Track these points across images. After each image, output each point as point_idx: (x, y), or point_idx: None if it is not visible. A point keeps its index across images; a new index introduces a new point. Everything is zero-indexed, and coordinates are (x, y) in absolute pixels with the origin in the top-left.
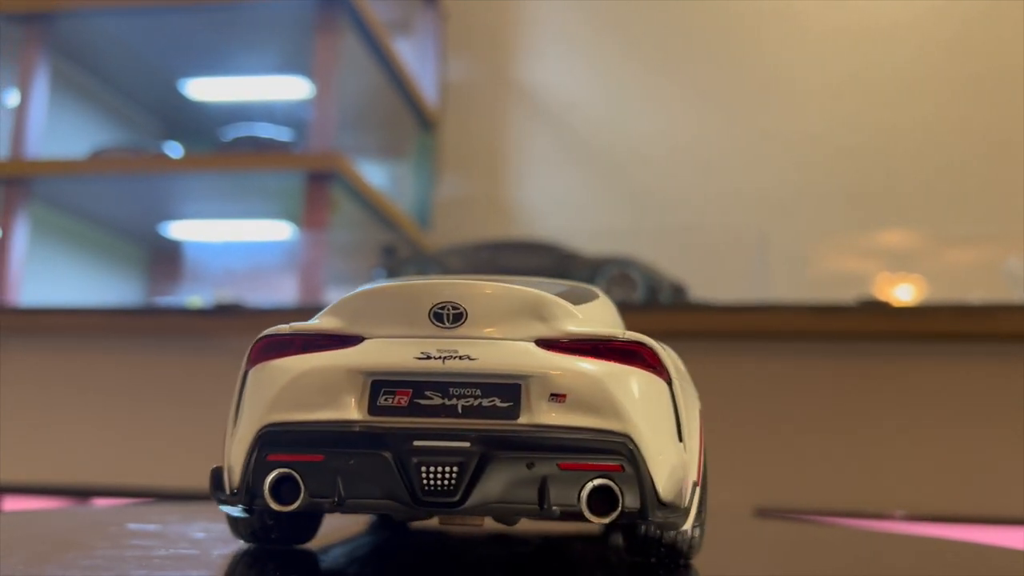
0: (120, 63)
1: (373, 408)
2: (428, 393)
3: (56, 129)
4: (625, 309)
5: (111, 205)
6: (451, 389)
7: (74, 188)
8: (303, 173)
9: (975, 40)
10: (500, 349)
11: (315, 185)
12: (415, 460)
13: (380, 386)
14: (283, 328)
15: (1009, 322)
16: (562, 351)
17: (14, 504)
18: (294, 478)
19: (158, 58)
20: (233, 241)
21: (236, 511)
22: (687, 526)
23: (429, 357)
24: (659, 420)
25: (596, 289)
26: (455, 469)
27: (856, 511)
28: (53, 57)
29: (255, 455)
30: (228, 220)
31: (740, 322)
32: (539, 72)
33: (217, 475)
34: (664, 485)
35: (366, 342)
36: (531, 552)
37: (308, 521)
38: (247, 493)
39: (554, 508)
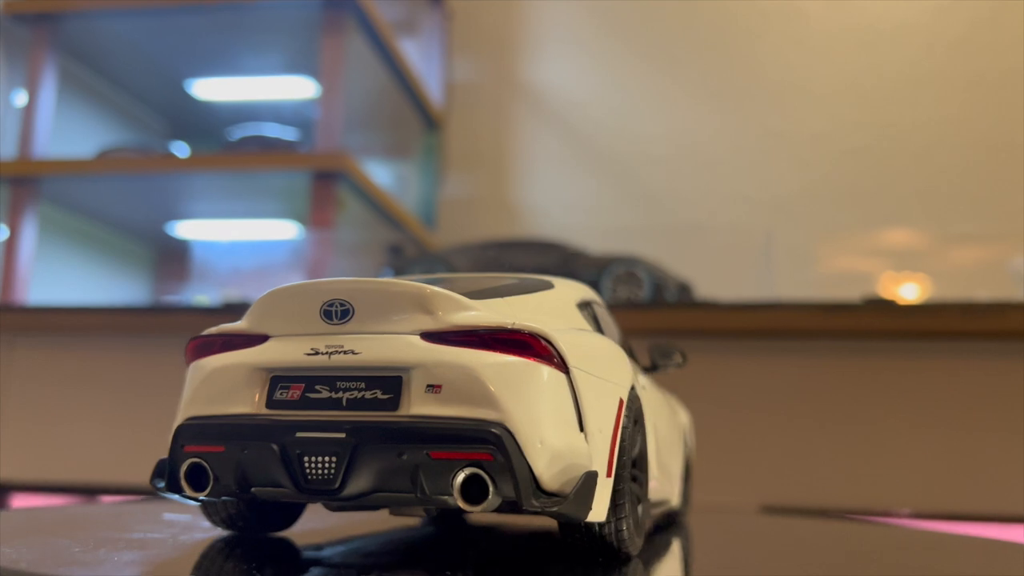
0: (127, 63)
1: (270, 402)
2: (318, 387)
3: (64, 129)
4: (631, 307)
5: (118, 204)
6: (338, 383)
7: (81, 187)
8: (309, 172)
9: (980, 41)
10: (383, 343)
11: (321, 184)
12: (298, 451)
13: (278, 381)
14: (211, 330)
15: (1015, 320)
16: (445, 343)
17: (22, 501)
18: (204, 467)
19: (165, 58)
20: (240, 240)
21: (176, 497)
22: (595, 517)
23: (318, 353)
24: (544, 409)
25: (555, 280)
26: (333, 459)
27: (863, 509)
28: (61, 57)
29: (175, 446)
30: (235, 219)
31: (746, 320)
32: (544, 72)
33: (158, 465)
34: (545, 473)
35: (270, 340)
36: (512, 550)
37: (282, 510)
38: (171, 480)
39: (433, 497)
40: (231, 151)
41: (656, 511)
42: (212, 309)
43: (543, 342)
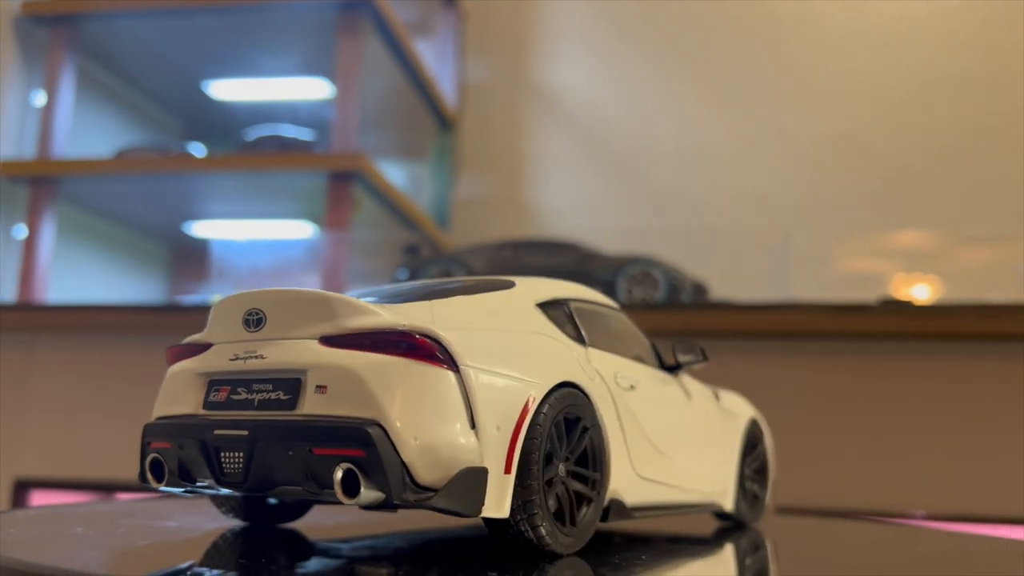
0: (145, 64)
1: (206, 403)
2: (239, 389)
3: (82, 129)
4: (647, 308)
5: (136, 204)
6: (253, 385)
7: (99, 187)
8: (325, 173)
9: (995, 41)
10: (286, 348)
11: (337, 184)
12: (216, 447)
13: (213, 385)
14: (186, 340)
15: None
16: (339, 346)
17: (42, 497)
18: (161, 461)
19: (182, 59)
20: (256, 240)
21: (163, 489)
22: (493, 513)
23: (238, 358)
24: (421, 407)
25: (520, 280)
26: (240, 455)
27: (877, 510)
28: (79, 59)
29: (142, 443)
30: (251, 220)
31: (761, 321)
32: (557, 72)
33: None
34: (421, 469)
35: (211, 348)
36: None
37: (286, 503)
38: (140, 473)
39: (321, 491)
40: (247, 151)
41: (663, 514)
42: None
43: (430, 342)
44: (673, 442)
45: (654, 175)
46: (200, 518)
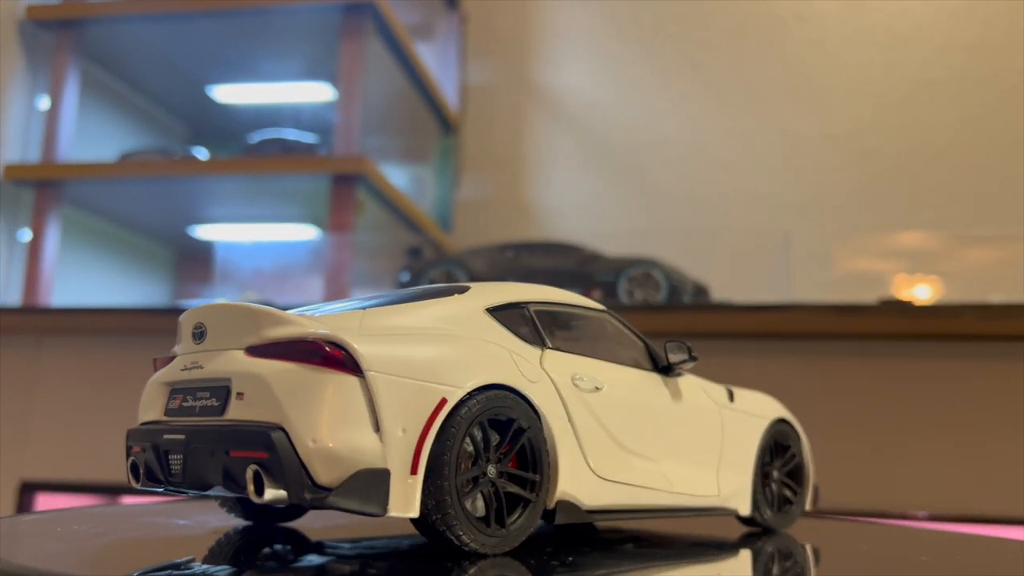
0: (149, 68)
1: (167, 410)
2: (188, 397)
3: (86, 133)
4: (648, 309)
5: (140, 207)
6: (197, 393)
7: (104, 191)
8: (328, 176)
9: (996, 42)
10: (219, 358)
11: (340, 187)
12: (165, 450)
13: (172, 393)
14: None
15: None
16: (259, 355)
17: (47, 501)
18: (136, 464)
19: (186, 63)
20: (260, 242)
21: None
22: (399, 512)
23: (187, 368)
24: (321, 411)
25: (475, 286)
26: (180, 457)
27: (878, 511)
28: (83, 63)
29: (126, 446)
30: (255, 223)
31: (762, 322)
32: (559, 74)
33: None
34: (320, 470)
35: (175, 359)
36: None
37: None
38: (127, 473)
39: (241, 491)
40: (251, 155)
41: (644, 517)
42: None
43: (336, 349)
44: (652, 444)
45: (655, 176)
46: (210, 517)
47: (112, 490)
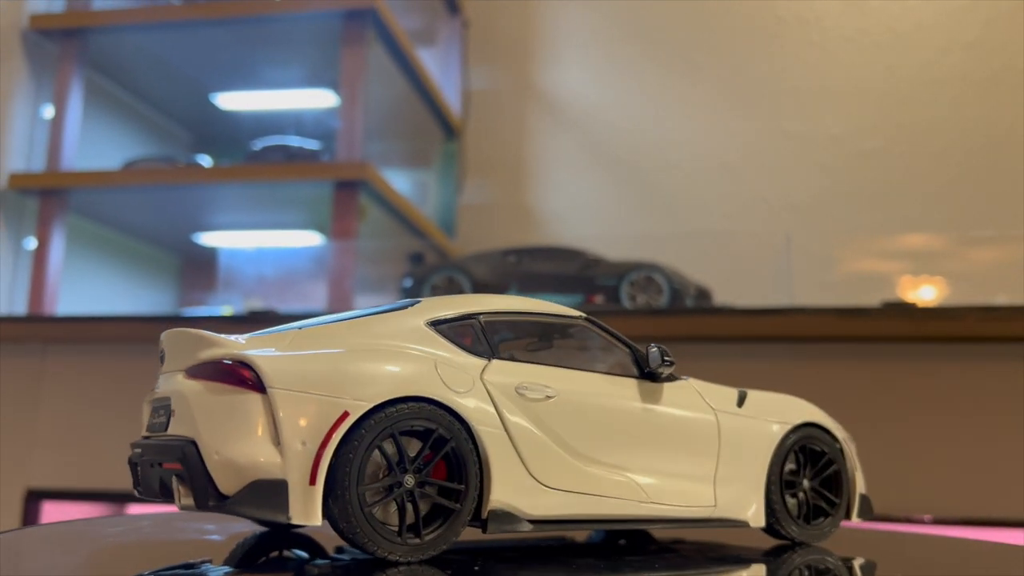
0: (152, 76)
1: (147, 426)
2: (154, 414)
3: (90, 142)
4: (650, 313)
5: (145, 215)
6: (158, 410)
7: (108, 199)
8: (331, 182)
9: (997, 41)
10: (169, 379)
11: (343, 193)
12: (134, 462)
13: (152, 411)
14: None
15: None
16: (191, 376)
17: (53, 509)
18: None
19: (189, 71)
20: (264, 249)
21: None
22: (302, 520)
23: (155, 388)
24: (225, 426)
25: (425, 300)
26: (139, 468)
27: (883, 514)
28: (87, 71)
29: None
30: (259, 230)
31: (764, 326)
32: (562, 78)
33: None
34: (222, 480)
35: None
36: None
37: None
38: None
39: (176, 499)
40: (254, 162)
41: (617, 526)
42: (237, 318)
43: (243, 369)
44: (620, 452)
45: (658, 179)
46: (239, 524)
47: (117, 498)
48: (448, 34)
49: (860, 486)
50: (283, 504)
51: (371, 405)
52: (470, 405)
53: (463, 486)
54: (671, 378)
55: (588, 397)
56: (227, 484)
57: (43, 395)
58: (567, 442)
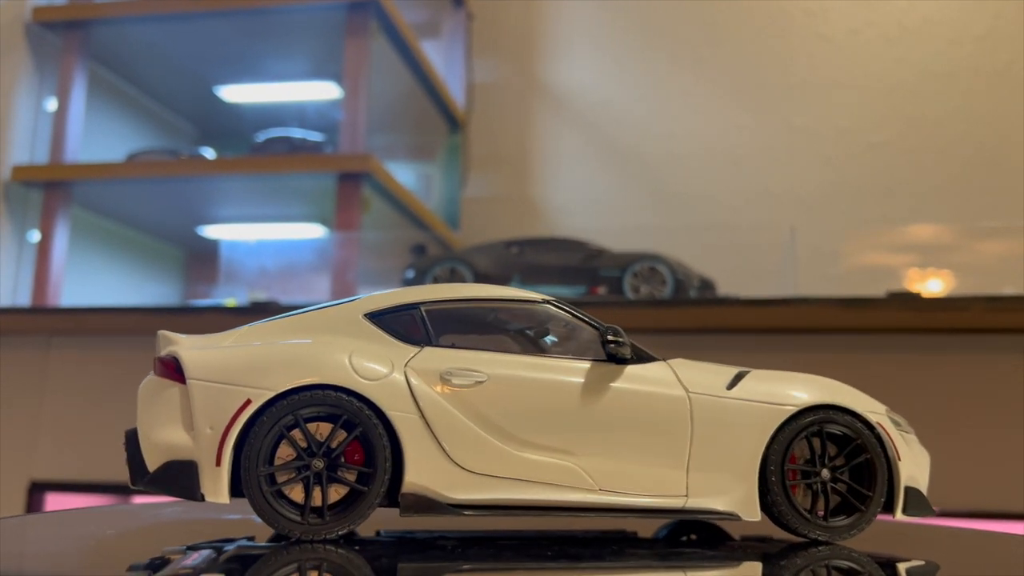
0: (156, 69)
1: None
2: None
3: (94, 134)
4: (653, 304)
5: (148, 207)
6: None
7: (112, 191)
8: (334, 174)
9: (1005, 34)
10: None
11: (346, 185)
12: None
13: None
14: None
15: None
16: (153, 371)
17: (56, 500)
18: None
19: (192, 64)
20: (268, 241)
21: None
22: (214, 499)
23: None
24: (153, 414)
25: (363, 296)
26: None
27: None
28: (90, 64)
29: None
30: (262, 222)
31: (768, 317)
32: (566, 71)
33: None
34: (150, 462)
35: None
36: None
37: None
38: None
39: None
40: (258, 154)
41: (570, 515)
42: (241, 310)
43: (171, 362)
44: (564, 437)
45: (662, 171)
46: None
47: (121, 490)
48: (452, 26)
49: (907, 478)
50: (194, 483)
51: (273, 393)
52: (383, 391)
53: (371, 469)
54: (645, 359)
55: (526, 381)
56: (151, 465)
57: (47, 387)
58: (499, 426)
